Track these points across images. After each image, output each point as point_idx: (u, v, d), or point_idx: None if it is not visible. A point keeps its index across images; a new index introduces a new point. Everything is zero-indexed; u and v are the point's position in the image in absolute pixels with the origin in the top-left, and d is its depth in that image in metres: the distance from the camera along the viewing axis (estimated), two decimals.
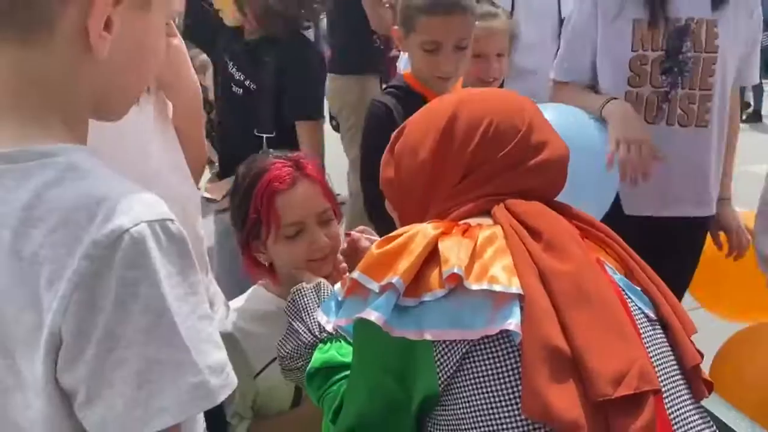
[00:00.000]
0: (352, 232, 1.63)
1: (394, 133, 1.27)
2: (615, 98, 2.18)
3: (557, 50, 2.63)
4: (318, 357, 1.28)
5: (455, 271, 1.02)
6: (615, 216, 2.03)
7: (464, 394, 1.01)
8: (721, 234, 2.44)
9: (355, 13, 4.19)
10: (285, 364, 1.36)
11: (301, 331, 1.34)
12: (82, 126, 0.89)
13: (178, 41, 1.62)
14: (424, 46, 2.06)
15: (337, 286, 1.14)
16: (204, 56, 5.18)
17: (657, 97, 2.21)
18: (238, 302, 1.70)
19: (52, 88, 0.84)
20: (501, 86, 2.64)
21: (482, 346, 1.01)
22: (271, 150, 1.68)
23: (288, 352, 1.34)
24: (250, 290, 1.72)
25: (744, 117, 9.51)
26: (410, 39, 2.10)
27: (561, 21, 2.87)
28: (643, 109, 2.22)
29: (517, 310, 1.01)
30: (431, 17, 2.04)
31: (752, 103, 9.57)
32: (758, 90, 9.59)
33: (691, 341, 1.11)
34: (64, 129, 0.85)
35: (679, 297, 2.27)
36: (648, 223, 2.23)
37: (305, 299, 1.39)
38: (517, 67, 2.77)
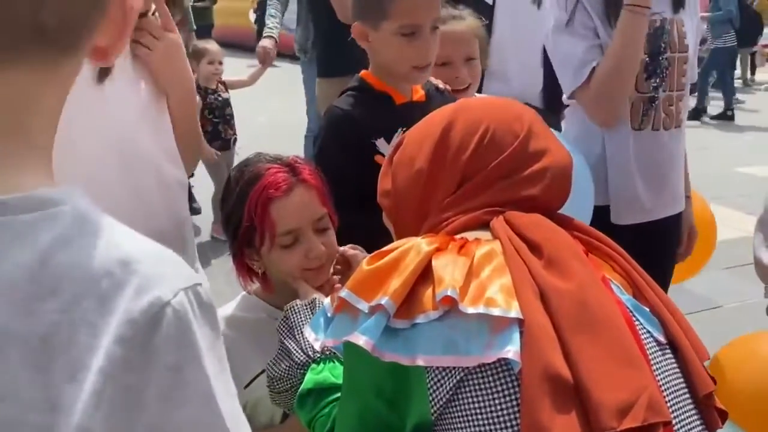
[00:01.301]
0: (341, 249, 1.56)
1: (393, 146, 1.22)
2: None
3: (541, 48, 2.55)
4: (310, 378, 1.22)
5: (449, 293, 0.96)
6: (604, 227, 1.93)
7: (458, 424, 0.95)
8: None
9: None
10: (275, 386, 1.29)
11: (293, 350, 1.28)
12: (50, 153, 0.72)
13: (176, 35, 1.60)
14: (403, 30, 1.80)
15: (327, 300, 1.08)
16: (197, 43, 5.12)
17: (642, 102, 2.14)
18: (226, 310, 1.64)
19: (41, 115, 0.68)
20: (479, 90, 2.53)
21: (478, 374, 0.95)
22: (261, 153, 1.60)
23: (279, 373, 1.28)
24: (239, 297, 1.66)
25: (730, 114, 9.63)
26: (383, 28, 1.82)
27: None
28: (629, 115, 2.14)
29: (516, 337, 0.94)
30: None
31: (729, 100, 9.83)
32: (723, 88, 9.91)
33: (704, 367, 1.04)
34: (46, 165, 0.69)
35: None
36: (638, 231, 2.14)
37: (298, 317, 1.33)
38: (491, 68, 2.64)
